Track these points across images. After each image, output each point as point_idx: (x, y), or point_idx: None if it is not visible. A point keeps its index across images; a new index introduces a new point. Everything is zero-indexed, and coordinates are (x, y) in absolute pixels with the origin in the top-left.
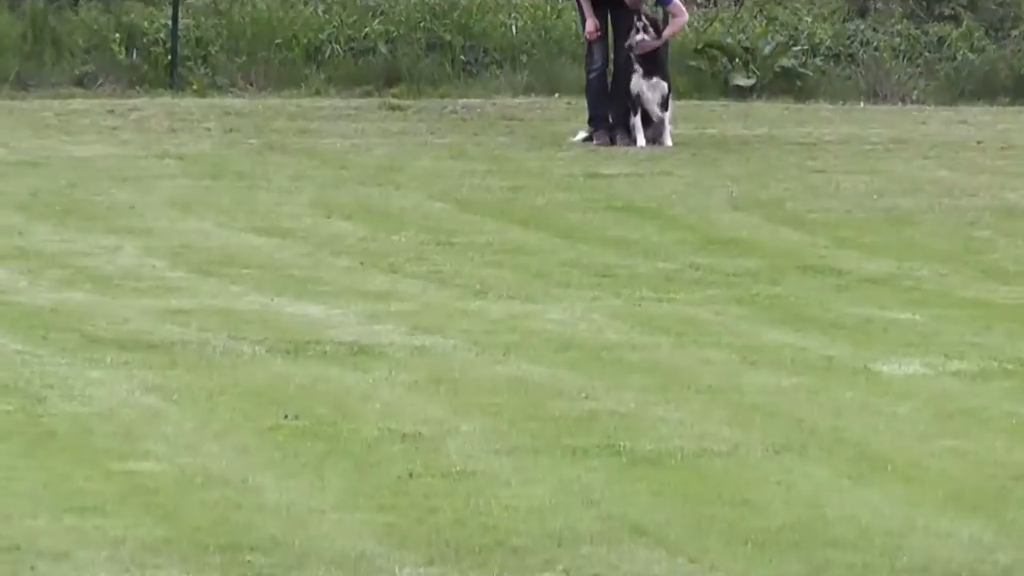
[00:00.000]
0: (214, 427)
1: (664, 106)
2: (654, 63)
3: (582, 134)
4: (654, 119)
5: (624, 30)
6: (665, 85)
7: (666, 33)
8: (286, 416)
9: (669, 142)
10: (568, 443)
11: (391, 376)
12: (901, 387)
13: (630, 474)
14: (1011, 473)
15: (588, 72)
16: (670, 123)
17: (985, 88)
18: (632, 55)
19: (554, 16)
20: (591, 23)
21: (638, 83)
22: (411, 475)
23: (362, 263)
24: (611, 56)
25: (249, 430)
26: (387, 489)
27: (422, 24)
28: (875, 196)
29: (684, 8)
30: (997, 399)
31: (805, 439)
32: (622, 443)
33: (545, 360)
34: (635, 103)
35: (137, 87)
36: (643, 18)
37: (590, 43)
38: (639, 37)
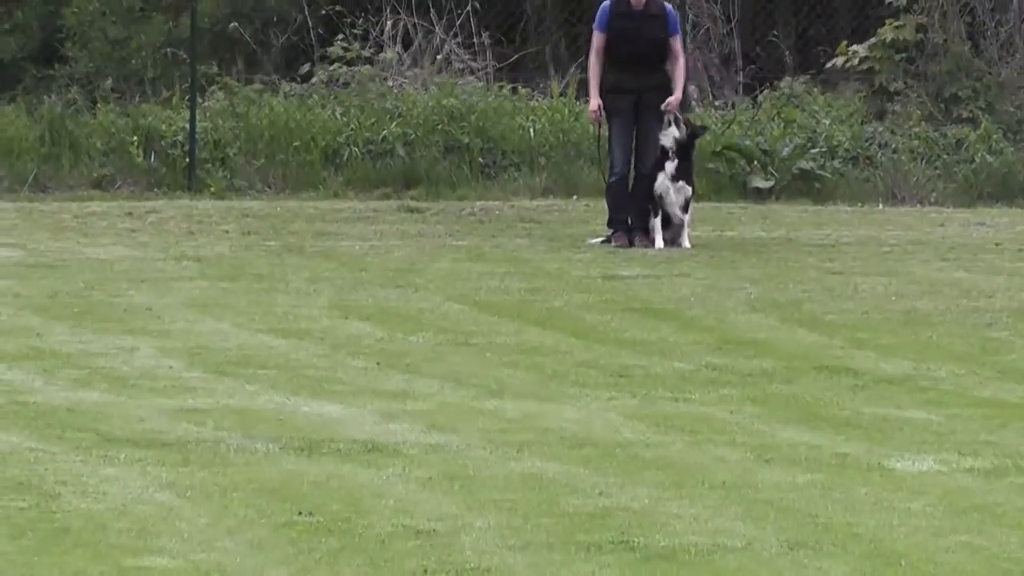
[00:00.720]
0: (228, 523)
1: (685, 209)
2: (683, 166)
3: (599, 238)
4: (675, 221)
5: (650, 131)
6: (689, 189)
7: (678, 79)
8: (300, 512)
9: (688, 244)
10: (582, 539)
11: (405, 473)
12: (915, 483)
13: (644, 569)
14: None
15: (609, 175)
16: (689, 226)
17: (1003, 190)
18: (662, 147)
19: (572, 119)
20: (594, 103)
21: (664, 185)
22: (425, 571)
23: (379, 363)
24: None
25: (263, 526)
26: None
27: (439, 127)
28: (893, 298)
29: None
30: (1010, 495)
31: (819, 535)
32: (636, 539)
33: (560, 457)
34: (657, 205)
35: (155, 189)
36: (675, 115)
37: (612, 145)
38: (671, 131)
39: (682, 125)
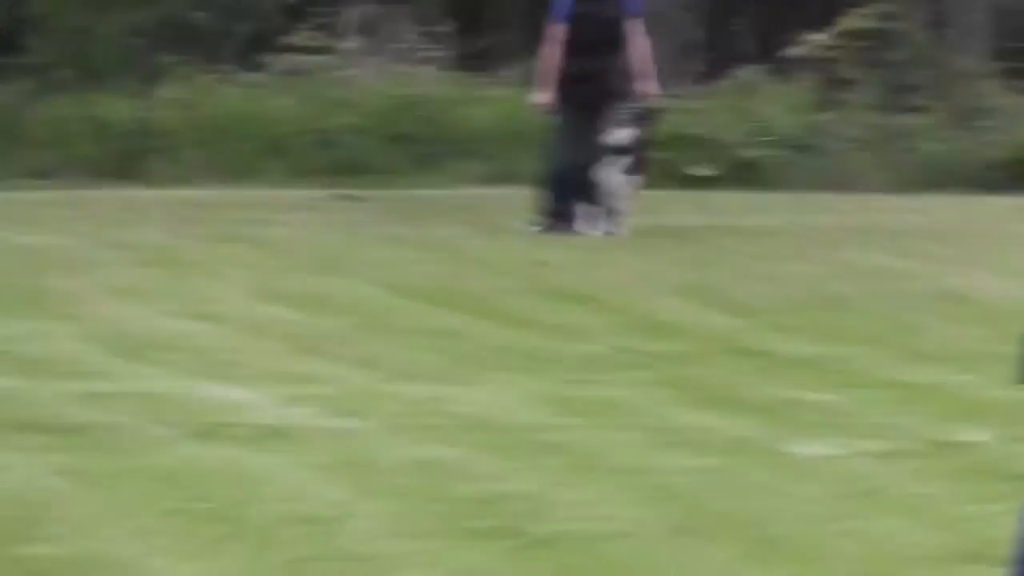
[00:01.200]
0: (117, 510)
1: (628, 198)
2: (637, 160)
3: (538, 225)
4: (617, 210)
5: (600, 119)
6: (639, 180)
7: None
8: (189, 499)
9: (625, 231)
10: (470, 526)
11: (300, 459)
12: (809, 468)
13: (529, 556)
14: (912, 554)
15: (552, 162)
16: (628, 213)
17: (948, 178)
18: (619, 147)
19: (520, 107)
20: (547, 95)
21: (615, 176)
22: (309, 558)
23: (291, 347)
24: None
25: (152, 513)
26: (282, 572)
27: (389, 116)
28: (818, 283)
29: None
30: (904, 479)
31: (707, 520)
32: (524, 525)
33: (459, 442)
34: (600, 192)
35: (101, 179)
36: (633, 106)
37: (559, 131)
38: (627, 133)
39: (643, 122)
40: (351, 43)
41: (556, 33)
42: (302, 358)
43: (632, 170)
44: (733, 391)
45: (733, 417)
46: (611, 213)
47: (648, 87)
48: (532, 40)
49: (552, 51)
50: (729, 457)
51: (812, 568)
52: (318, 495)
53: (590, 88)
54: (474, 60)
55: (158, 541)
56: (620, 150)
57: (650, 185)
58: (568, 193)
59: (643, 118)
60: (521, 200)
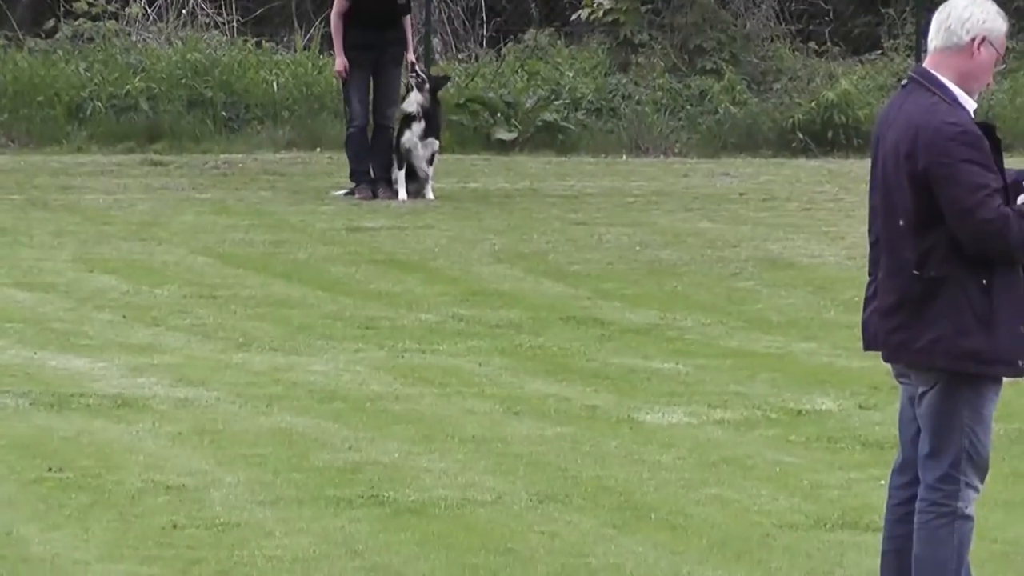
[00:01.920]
0: None
1: (430, 162)
2: (429, 123)
3: (342, 190)
4: (420, 175)
5: (388, 84)
6: (436, 143)
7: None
8: (50, 468)
9: (432, 196)
10: (332, 494)
11: (155, 428)
12: (665, 436)
13: (394, 524)
14: (774, 521)
15: (348, 127)
16: (433, 178)
17: (748, 141)
18: (406, 112)
19: (315, 72)
20: (340, 62)
21: (411, 140)
22: (175, 526)
23: (125, 317)
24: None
25: (13, 482)
26: (151, 540)
27: (183, 81)
28: (637, 248)
29: None
30: (760, 447)
31: (569, 488)
32: (386, 493)
33: (309, 411)
34: (402, 157)
35: None
36: (417, 73)
37: (350, 97)
38: (415, 96)
39: (425, 88)
40: (135, 8)
41: (340, 6)
42: (141, 327)
43: (426, 134)
44: (574, 360)
45: (580, 386)
46: (414, 178)
47: (411, 56)
48: (315, 4)
49: (338, 22)
50: (584, 426)
51: (678, 535)
52: (178, 464)
53: (373, 55)
54: (259, 25)
55: (23, 510)
56: (411, 116)
57: (450, 149)
58: (370, 158)
59: (428, 83)
60: (324, 165)
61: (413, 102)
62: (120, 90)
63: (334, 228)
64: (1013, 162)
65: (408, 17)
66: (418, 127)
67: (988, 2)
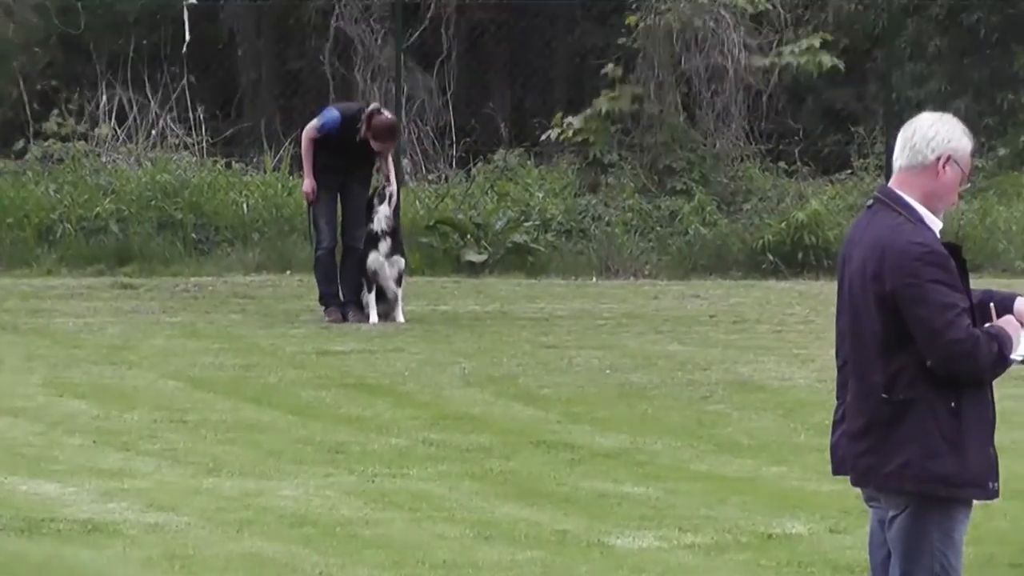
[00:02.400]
0: None
1: (399, 282)
2: (395, 241)
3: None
4: (389, 296)
5: (355, 206)
6: (403, 261)
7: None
8: None
9: (402, 318)
10: None
11: (125, 553)
12: (635, 561)
13: None
14: None
15: (316, 249)
16: (403, 300)
17: (717, 262)
18: (373, 231)
19: (285, 194)
20: (308, 183)
21: (377, 260)
22: None
23: (95, 441)
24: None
25: None
26: None
27: (153, 203)
28: (607, 371)
29: None
30: (731, 572)
31: None
32: None
33: (279, 537)
34: (370, 280)
35: None
36: (386, 192)
37: (317, 219)
38: (383, 211)
39: (394, 202)
40: (105, 129)
41: (314, 134)
42: (111, 452)
43: (391, 252)
44: (544, 484)
45: (549, 510)
46: (384, 299)
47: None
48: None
49: (309, 145)
50: (554, 551)
51: None
52: None
53: (340, 178)
54: (228, 145)
55: None
56: (377, 235)
57: (420, 271)
58: (339, 280)
59: (389, 201)
60: (294, 287)
61: (381, 218)
62: (90, 212)
63: (304, 351)
64: (985, 283)
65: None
66: (384, 246)
67: (953, 120)
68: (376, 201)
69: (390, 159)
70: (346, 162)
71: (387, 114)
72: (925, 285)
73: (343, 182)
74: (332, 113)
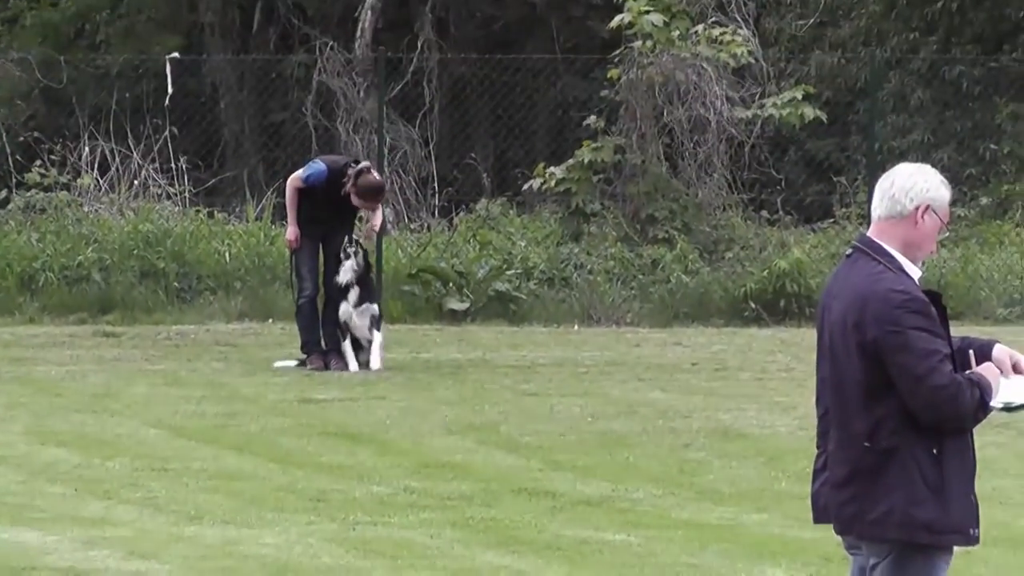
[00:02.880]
0: None
1: (375, 327)
2: (364, 290)
3: (288, 361)
4: (364, 344)
5: (337, 256)
6: (375, 308)
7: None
8: None
9: (378, 365)
10: None
11: None
12: None
13: None
14: None
15: (299, 297)
16: (381, 347)
17: (699, 310)
18: (340, 284)
19: (267, 243)
20: (292, 231)
21: (347, 311)
22: None
23: (76, 489)
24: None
25: None
26: None
27: (135, 252)
28: (589, 419)
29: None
30: None
31: None
32: None
33: None
34: (344, 329)
35: None
36: (355, 243)
37: (300, 268)
38: (350, 264)
39: (360, 256)
40: (87, 179)
41: (299, 184)
42: (93, 500)
43: (360, 301)
44: (525, 532)
45: (532, 558)
46: (362, 347)
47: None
48: (268, 175)
49: (294, 194)
50: None
51: None
52: None
53: (323, 228)
54: (211, 195)
55: None
56: (345, 286)
57: (402, 319)
58: (319, 326)
59: (360, 250)
60: (276, 335)
61: (348, 270)
62: (72, 261)
63: (286, 399)
64: (966, 330)
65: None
66: (353, 295)
67: (931, 170)
68: (342, 255)
69: (380, 213)
70: (329, 214)
71: (376, 175)
72: (907, 332)
73: (326, 232)
74: (319, 166)
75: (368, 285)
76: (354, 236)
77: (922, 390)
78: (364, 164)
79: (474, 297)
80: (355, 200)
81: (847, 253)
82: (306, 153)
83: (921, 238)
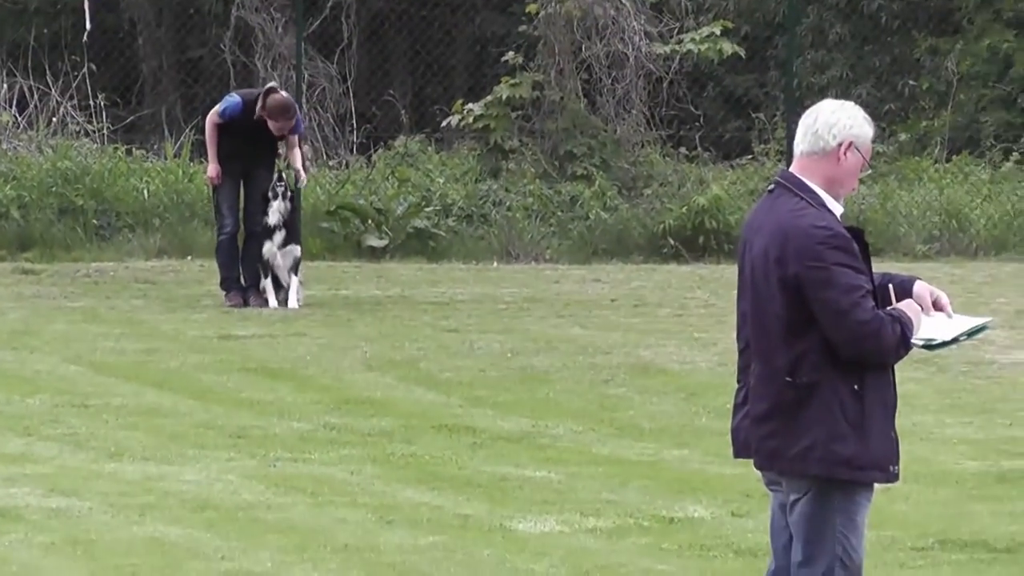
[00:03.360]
0: None
1: (294, 271)
2: (289, 231)
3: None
4: (283, 283)
5: (258, 192)
6: (298, 249)
7: (297, 162)
8: None
9: (295, 304)
10: None
11: (27, 538)
12: (537, 544)
13: None
14: None
15: (219, 234)
16: (301, 284)
17: (619, 247)
18: (268, 224)
19: (186, 180)
20: (212, 168)
21: (271, 250)
22: None
23: None
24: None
25: None
26: None
27: (54, 189)
28: (509, 355)
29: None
30: (633, 556)
31: None
32: None
33: (181, 521)
34: (266, 266)
35: None
36: (282, 181)
37: (220, 205)
38: (277, 205)
39: (288, 197)
40: (5, 116)
41: (217, 119)
42: (12, 437)
43: (285, 242)
44: (446, 468)
45: (451, 494)
46: (282, 286)
47: (300, 175)
48: (186, 112)
49: (213, 130)
50: (456, 535)
51: None
52: (51, 575)
53: (244, 163)
54: (129, 132)
55: None
56: (272, 227)
57: (321, 256)
58: (240, 265)
59: (289, 191)
60: (195, 272)
61: (276, 211)
62: None
63: (205, 336)
64: (886, 266)
65: (296, 137)
66: (278, 236)
67: (855, 107)
68: (271, 195)
69: (297, 150)
70: (249, 148)
71: (282, 93)
72: (830, 268)
73: (246, 168)
74: (233, 99)
75: (294, 226)
76: (276, 181)
77: (845, 324)
78: (271, 84)
79: (393, 234)
80: (269, 124)
81: (769, 188)
82: (225, 89)
83: (843, 174)
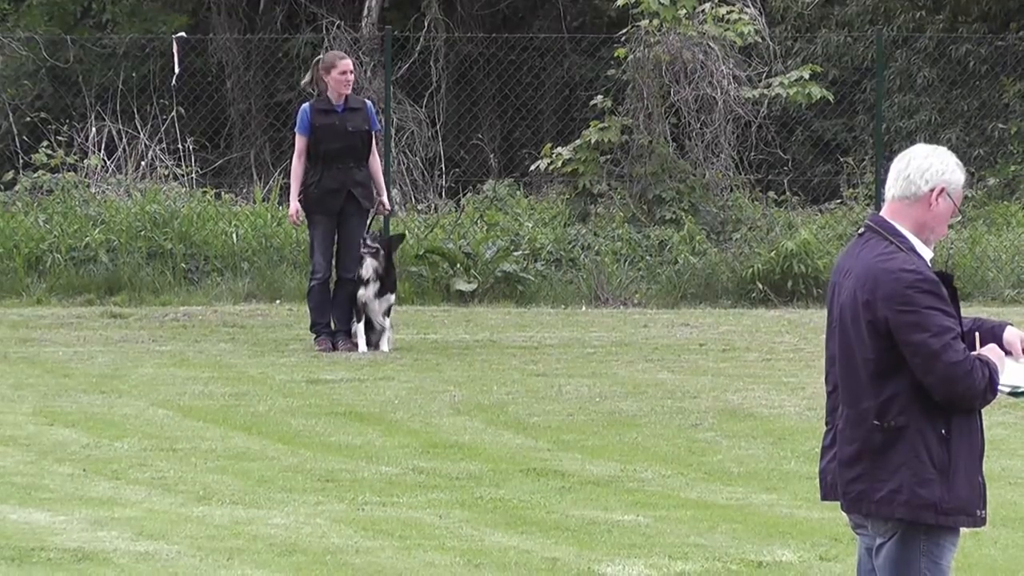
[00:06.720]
0: None
1: (387, 315)
2: (385, 278)
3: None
4: (376, 327)
5: (351, 238)
6: (392, 297)
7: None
8: None
9: (386, 348)
10: None
11: None
12: None
13: None
14: None
15: (311, 279)
16: (391, 329)
17: (706, 291)
18: (362, 277)
19: (274, 224)
20: (293, 207)
21: (366, 295)
22: None
23: (85, 470)
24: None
25: None
26: None
27: (143, 233)
28: (597, 399)
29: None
30: None
31: None
32: None
33: (269, 565)
34: (359, 311)
35: None
36: (368, 244)
37: (314, 250)
38: (369, 263)
39: (380, 256)
40: (94, 160)
41: (300, 145)
42: (101, 481)
43: (381, 292)
44: (534, 512)
45: (540, 538)
46: (372, 330)
47: (384, 199)
48: (275, 155)
49: (298, 163)
50: None
51: None
52: None
53: (338, 203)
54: (217, 176)
55: None
56: (367, 279)
57: (409, 300)
58: (329, 308)
59: (384, 244)
60: (283, 316)
61: (369, 268)
62: (79, 242)
63: (294, 380)
64: (974, 311)
65: (374, 156)
66: (373, 287)
67: (947, 153)
68: (363, 249)
69: (379, 165)
70: (342, 179)
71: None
72: (920, 311)
73: (341, 210)
74: (301, 110)
75: (389, 277)
76: (370, 231)
77: (937, 366)
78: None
79: (481, 278)
80: (334, 77)
81: (859, 232)
82: None
83: (934, 220)
